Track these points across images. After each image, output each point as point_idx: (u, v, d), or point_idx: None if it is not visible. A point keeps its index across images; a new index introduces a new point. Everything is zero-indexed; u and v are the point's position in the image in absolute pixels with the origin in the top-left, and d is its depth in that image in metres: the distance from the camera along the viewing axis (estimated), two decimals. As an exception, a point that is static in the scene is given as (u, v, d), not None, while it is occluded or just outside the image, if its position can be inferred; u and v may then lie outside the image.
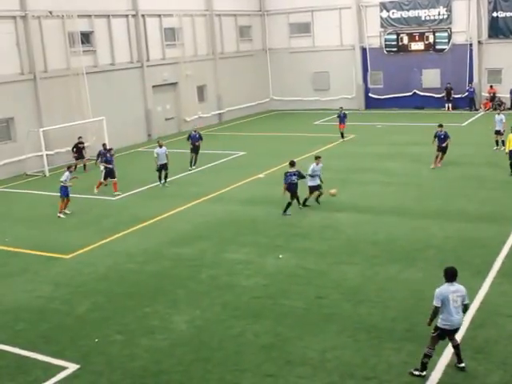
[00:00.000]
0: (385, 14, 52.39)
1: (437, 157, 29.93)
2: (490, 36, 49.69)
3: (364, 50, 53.76)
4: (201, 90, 49.92)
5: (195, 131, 33.51)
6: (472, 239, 19.73)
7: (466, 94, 50.32)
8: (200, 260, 19.31)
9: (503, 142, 31.52)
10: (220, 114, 51.89)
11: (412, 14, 51.57)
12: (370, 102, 54.37)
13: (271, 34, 57.05)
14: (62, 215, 25.12)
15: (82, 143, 35.31)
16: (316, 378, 12.20)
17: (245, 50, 55.00)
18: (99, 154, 30.94)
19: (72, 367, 13.16)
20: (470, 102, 50.16)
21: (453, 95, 50.43)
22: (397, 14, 52.01)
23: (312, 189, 24.20)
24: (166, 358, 13.32)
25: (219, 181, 29.57)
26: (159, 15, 45.47)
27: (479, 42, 49.82)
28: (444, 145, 29.92)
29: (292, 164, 23.75)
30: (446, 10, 50.40)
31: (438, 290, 11.84)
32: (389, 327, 14.13)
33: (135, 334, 14.52)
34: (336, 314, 14.91)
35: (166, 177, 29.49)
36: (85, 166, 35.00)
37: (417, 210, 23.27)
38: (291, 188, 23.36)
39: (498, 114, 34.15)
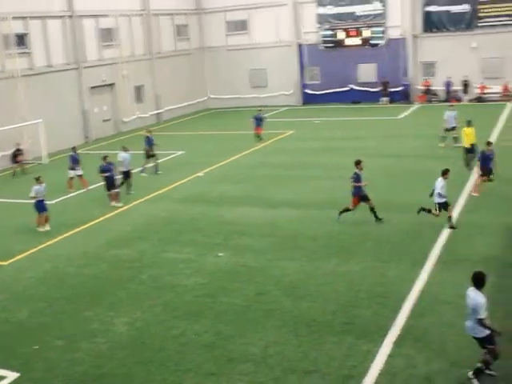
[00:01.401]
0: (321, 10, 52.86)
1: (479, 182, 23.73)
2: (425, 30, 50.70)
3: (301, 47, 54.15)
4: (138, 90, 49.42)
5: (151, 133, 32.08)
6: (409, 230, 20.03)
7: (402, 87, 51.20)
8: (140, 261, 19.14)
9: (455, 139, 31.17)
10: (158, 113, 51.48)
11: (348, 9, 52.16)
12: (307, 98, 54.77)
13: (208, 33, 56.97)
14: (41, 229, 23.05)
15: (20, 150, 34.71)
16: (258, 375, 12.21)
17: (182, 48, 54.71)
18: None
19: (12, 376, 12.86)
20: (405, 95, 51.04)
21: (388, 89, 51.27)
22: (333, 10, 52.52)
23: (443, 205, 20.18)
24: (108, 362, 13.16)
25: (158, 181, 29.38)
26: (95, 16, 44.82)
27: (414, 36, 50.74)
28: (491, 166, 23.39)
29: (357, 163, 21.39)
30: (381, 6, 51.14)
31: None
32: (329, 321, 14.24)
33: (76, 339, 14.29)
34: (276, 309, 14.96)
35: (130, 185, 27.45)
36: (23, 169, 34.39)
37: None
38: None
39: (450, 110, 32.42)
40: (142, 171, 31.03)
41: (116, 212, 24.81)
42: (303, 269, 17.46)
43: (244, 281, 16.89)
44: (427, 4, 50.11)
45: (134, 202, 26.02)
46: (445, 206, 20.04)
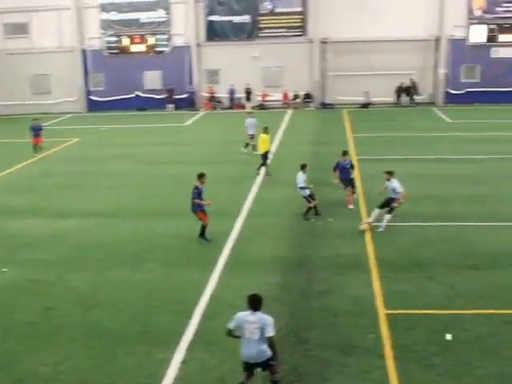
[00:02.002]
0: (105, 16, 52.21)
1: (348, 195, 23.18)
2: (208, 39, 51.92)
3: (85, 52, 53.10)
4: None
5: None
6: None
7: (187, 94, 51.99)
8: None
9: (254, 147, 31.13)
10: None
11: (132, 16, 52.09)
12: (92, 105, 53.91)
13: (-16, 35, 53.99)
14: None
15: None
16: (49, 393, 11.76)
17: (-45, 51, 51.35)
18: None
19: None
20: (191, 102, 51.92)
21: (174, 96, 51.82)
22: (117, 16, 52.12)
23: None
24: None
25: None
26: None
27: (198, 45, 51.81)
28: (351, 177, 23.26)
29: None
30: (165, 13, 51.57)
31: (237, 313, 10.80)
32: (121, 331, 14.04)
33: None
34: (66, 323, 14.44)
35: None
36: None
37: (141, 210, 23.39)
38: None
39: (251, 117, 32.72)
40: None
41: None
42: (93, 279, 17.05)
43: (31, 296, 16.11)
44: (210, 14, 51.37)
45: None
46: (312, 196, 21.78)
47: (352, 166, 23.37)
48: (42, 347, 13.45)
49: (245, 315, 10.60)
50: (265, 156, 27.97)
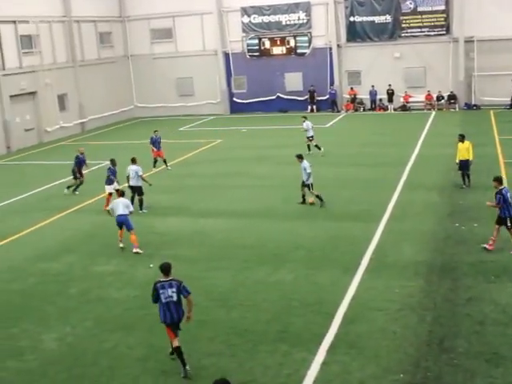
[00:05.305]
0: (246, 19, 53.05)
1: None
2: (349, 40, 51.52)
3: (227, 55, 54.19)
4: (62, 99, 48.31)
5: (82, 153, 29.14)
6: (339, 238, 20.21)
7: (328, 96, 51.84)
8: (68, 274, 18.64)
9: (317, 147, 33.27)
10: (83, 123, 50.46)
11: (273, 18, 52.54)
12: (234, 107, 54.87)
13: (133, 40, 56.33)
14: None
15: None
16: (193, 387, 12.03)
17: (106, 56, 53.85)
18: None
19: None
20: (332, 104, 51.70)
21: (316, 97, 51.84)
22: (258, 19, 52.78)
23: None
24: (38, 379, 12.76)
25: (85, 192, 28.54)
26: (14, 21, 43.64)
27: (338, 46, 51.51)
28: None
29: None
30: (306, 15, 51.72)
31: None
32: (262, 330, 14.19)
33: (2, 357, 13.75)
34: (208, 320, 14.77)
35: (141, 203, 24.61)
36: None
37: (284, 211, 23.60)
38: None
39: (304, 121, 34.30)
40: (72, 189, 28.90)
41: (40, 225, 24.03)
42: (234, 278, 17.36)
43: (176, 292, 16.62)
44: (351, 14, 50.94)
45: (59, 215, 25.20)
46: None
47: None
48: (185, 341, 13.69)
49: None
50: (460, 166, 25.29)
